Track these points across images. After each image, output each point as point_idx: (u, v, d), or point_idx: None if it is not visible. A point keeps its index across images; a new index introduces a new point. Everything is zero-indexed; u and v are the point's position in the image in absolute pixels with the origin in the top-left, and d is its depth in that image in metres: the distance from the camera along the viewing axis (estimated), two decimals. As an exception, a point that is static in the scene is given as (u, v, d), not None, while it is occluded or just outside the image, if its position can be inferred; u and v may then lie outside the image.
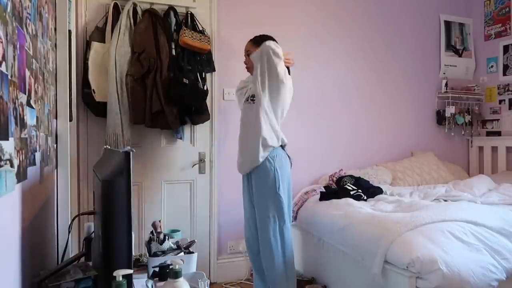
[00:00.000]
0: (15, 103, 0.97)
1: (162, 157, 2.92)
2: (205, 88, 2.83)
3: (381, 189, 3.03)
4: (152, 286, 1.37)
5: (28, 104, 1.16)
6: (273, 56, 2.20)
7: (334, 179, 3.18)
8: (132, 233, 1.12)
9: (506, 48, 3.86)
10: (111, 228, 1.09)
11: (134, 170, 1.12)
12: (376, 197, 2.89)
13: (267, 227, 2.25)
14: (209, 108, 2.92)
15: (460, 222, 2.19)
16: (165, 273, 1.37)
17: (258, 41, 2.36)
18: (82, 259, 1.54)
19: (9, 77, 0.90)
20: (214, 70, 2.94)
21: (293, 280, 2.32)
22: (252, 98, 2.33)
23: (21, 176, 1.05)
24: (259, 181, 2.29)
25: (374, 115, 3.67)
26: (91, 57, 2.57)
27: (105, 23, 2.68)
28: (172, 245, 1.67)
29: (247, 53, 2.42)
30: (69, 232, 1.66)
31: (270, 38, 2.36)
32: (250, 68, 2.44)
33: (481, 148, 4.00)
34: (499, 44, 3.91)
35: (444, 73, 3.98)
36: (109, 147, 2.39)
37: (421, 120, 3.90)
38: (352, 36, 3.58)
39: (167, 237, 1.70)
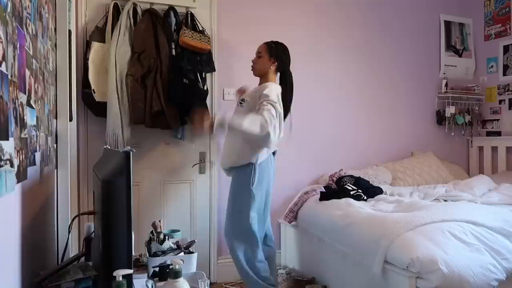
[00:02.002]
0: (15, 103, 0.97)
1: (162, 157, 2.92)
2: (205, 88, 2.83)
3: (381, 189, 3.03)
4: (152, 286, 1.37)
5: (28, 104, 1.16)
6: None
7: (334, 179, 3.18)
8: (132, 233, 1.12)
9: (506, 48, 3.86)
10: (111, 228, 1.09)
11: (134, 170, 1.12)
12: (376, 197, 2.89)
13: (232, 222, 2.32)
14: (209, 108, 2.92)
15: (460, 222, 2.19)
16: (165, 273, 1.37)
17: (272, 49, 2.43)
18: (82, 259, 1.54)
19: (9, 77, 0.90)
20: (214, 70, 2.94)
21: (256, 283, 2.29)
22: (241, 101, 2.39)
23: (21, 176, 1.05)
24: (235, 176, 2.36)
25: (374, 115, 3.67)
26: (91, 57, 2.57)
27: (105, 23, 2.68)
28: (172, 245, 1.67)
29: (258, 55, 2.44)
30: (69, 232, 1.66)
31: (284, 49, 2.45)
32: (255, 69, 2.46)
33: (481, 148, 4.00)
34: (499, 44, 3.91)
35: (444, 73, 3.98)
36: (109, 147, 2.39)
37: (421, 120, 3.90)
38: (352, 36, 3.58)
39: (167, 237, 1.69)
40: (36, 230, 1.34)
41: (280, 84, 2.43)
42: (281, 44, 2.47)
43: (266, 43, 2.46)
